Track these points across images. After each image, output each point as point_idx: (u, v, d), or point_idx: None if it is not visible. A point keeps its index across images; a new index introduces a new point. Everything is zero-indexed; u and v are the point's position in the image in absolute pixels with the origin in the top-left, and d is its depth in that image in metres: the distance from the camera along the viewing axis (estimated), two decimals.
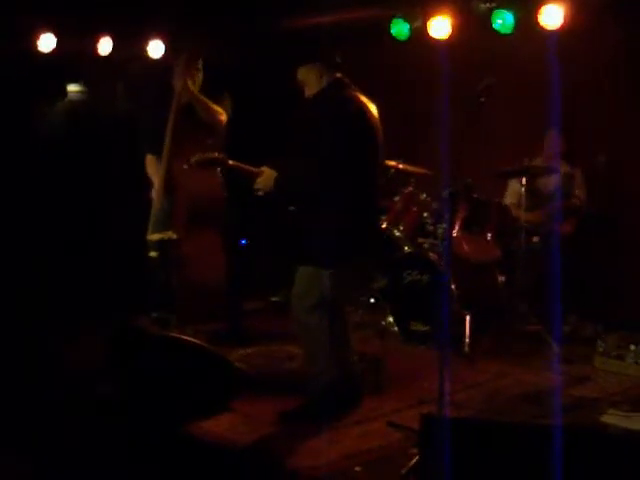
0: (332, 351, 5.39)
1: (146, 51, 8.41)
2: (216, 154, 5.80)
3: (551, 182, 7.63)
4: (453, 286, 6.91)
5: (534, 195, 7.56)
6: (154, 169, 6.67)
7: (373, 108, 5.51)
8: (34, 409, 5.49)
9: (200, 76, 6.71)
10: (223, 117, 6.63)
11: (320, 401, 5.38)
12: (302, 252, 5.48)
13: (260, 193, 5.48)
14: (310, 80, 5.51)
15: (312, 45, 5.87)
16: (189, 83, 6.51)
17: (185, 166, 5.94)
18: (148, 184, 6.69)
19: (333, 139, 5.24)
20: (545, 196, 7.63)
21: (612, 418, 5.38)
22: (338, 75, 5.51)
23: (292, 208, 5.96)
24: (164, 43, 8.35)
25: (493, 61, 7.55)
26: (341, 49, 5.58)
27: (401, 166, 7.72)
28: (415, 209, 7.62)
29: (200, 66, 6.71)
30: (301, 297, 5.43)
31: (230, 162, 5.66)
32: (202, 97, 6.57)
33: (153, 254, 6.40)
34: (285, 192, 5.54)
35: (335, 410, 5.39)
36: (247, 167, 5.58)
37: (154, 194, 6.61)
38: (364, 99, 5.48)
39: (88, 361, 6.24)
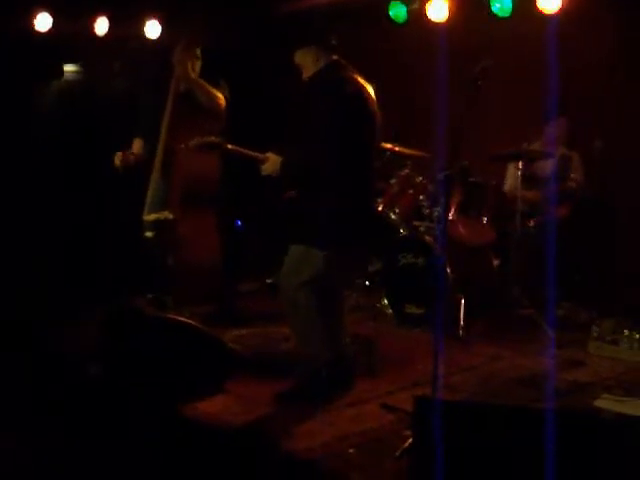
0: (324, 332, 5.40)
1: (143, 31, 8.39)
2: (213, 138, 5.81)
3: (548, 166, 7.61)
4: (448, 269, 6.91)
5: (531, 179, 7.55)
6: (139, 151, 6.73)
7: (370, 89, 5.50)
8: (31, 391, 5.50)
9: (198, 64, 6.73)
10: (222, 102, 6.65)
11: (314, 382, 5.39)
12: (297, 232, 5.49)
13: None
14: (307, 63, 5.51)
15: (308, 28, 5.86)
16: (189, 69, 6.53)
17: (182, 146, 5.95)
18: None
19: (331, 120, 5.24)
20: (542, 180, 7.62)
21: (605, 402, 5.39)
22: (335, 57, 5.50)
23: (292, 192, 5.95)
24: (161, 23, 8.33)
25: (491, 44, 7.53)
26: (338, 32, 5.57)
27: (397, 148, 7.71)
28: (411, 192, 7.61)
29: (199, 53, 6.72)
30: (290, 275, 5.44)
31: (229, 146, 5.67)
32: (202, 82, 6.59)
33: (149, 234, 6.40)
34: (291, 176, 5.56)
35: (328, 392, 5.41)
36: (250, 152, 5.59)
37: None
38: (361, 80, 5.47)
39: (83, 342, 6.23)
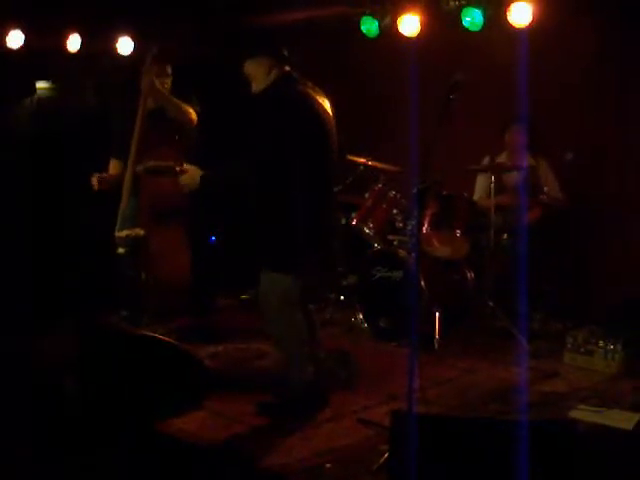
0: (303, 349, 5.39)
1: (115, 48, 8.37)
2: (169, 162, 5.83)
3: (517, 176, 7.60)
4: (422, 283, 6.92)
5: (501, 189, 7.57)
6: (117, 172, 6.71)
7: (326, 104, 5.42)
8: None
9: (169, 81, 6.73)
10: (194, 117, 6.65)
11: (299, 397, 5.38)
12: (261, 257, 5.45)
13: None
14: (258, 74, 5.36)
15: (260, 38, 5.75)
16: (157, 83, 6.52)
17: (140, 168, 5.99)
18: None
19: (283, 137, 5.15)
20: (512, 190, 7.62)
21: (581, 413, 5.41)
22: (287, 69, 5.39)
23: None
24: (133, 40, 8.32)
25: (462, 59, 7.55)
26: (310, 46, 5.54)
27: (370, 163, 7.72)
28: (385, 206, 7.60)
29: (169, 71, 6.73)
30: (264, 299, 5.43)
31: (177, 169, 5.57)
32: (170, 96, 6.59)
33: (121, 251, 6.40)
34: (213, 190, 5.53)
35: (307, 407, 5.40)
36: (167, 164, 5.60)
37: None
38: (315, 94, 5.38)
39: (57, 359, 6.20)
